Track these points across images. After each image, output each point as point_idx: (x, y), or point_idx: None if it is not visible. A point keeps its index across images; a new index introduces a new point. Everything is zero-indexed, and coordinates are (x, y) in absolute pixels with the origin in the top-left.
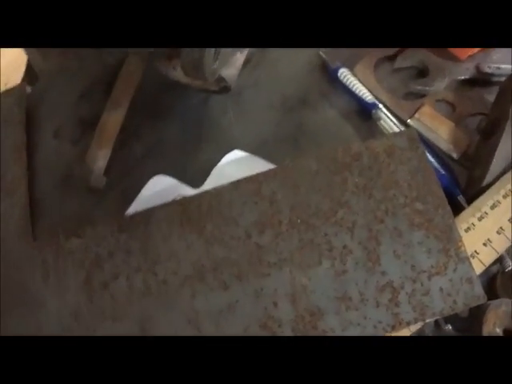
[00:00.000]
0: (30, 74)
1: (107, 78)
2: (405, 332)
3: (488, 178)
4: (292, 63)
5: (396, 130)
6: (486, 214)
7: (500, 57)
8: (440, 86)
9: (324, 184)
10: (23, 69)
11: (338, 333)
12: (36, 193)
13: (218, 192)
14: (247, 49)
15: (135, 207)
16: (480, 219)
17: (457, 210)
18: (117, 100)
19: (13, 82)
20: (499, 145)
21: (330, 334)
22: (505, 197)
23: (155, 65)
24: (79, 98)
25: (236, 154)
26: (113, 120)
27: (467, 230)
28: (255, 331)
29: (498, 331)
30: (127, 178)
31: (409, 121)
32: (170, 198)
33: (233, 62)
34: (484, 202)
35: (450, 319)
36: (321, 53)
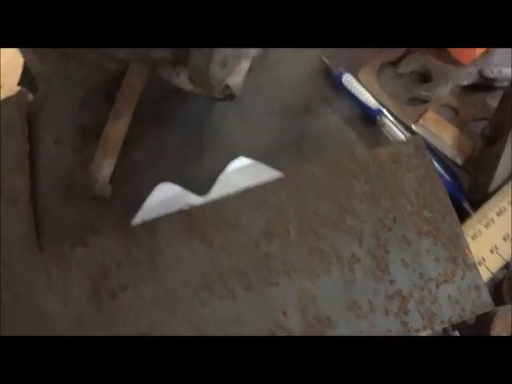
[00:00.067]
0: (27, 76)
1: (108, 85)
2: None
3: (493, 185)
4: (294, 69)
5: (400, 135)
6: (493, 220)
7: (501, 58)
8: (444, 91)
9: (331, 192)
10: (19, 72)
11: None
12: (38, 201)
13: (224, 201)
14: (252, 56)
15: (141, 216)
16: (486, 226)
17: (462, 215)
18: (120, 109)
19: (8, 85)
20: (504, 151)
21: None
22: (510, 203)
23: (158, 71)
24: (80, 105)
25: (241, 161)
26: (117, 129)
27: (474, 237)
28: None
29: None
30: (130, 185)
31: (413, 127)
32: (176, 207)
33: (238, 70)
34: (490, 208)
35: (458, 326)
36: (324, 58)
